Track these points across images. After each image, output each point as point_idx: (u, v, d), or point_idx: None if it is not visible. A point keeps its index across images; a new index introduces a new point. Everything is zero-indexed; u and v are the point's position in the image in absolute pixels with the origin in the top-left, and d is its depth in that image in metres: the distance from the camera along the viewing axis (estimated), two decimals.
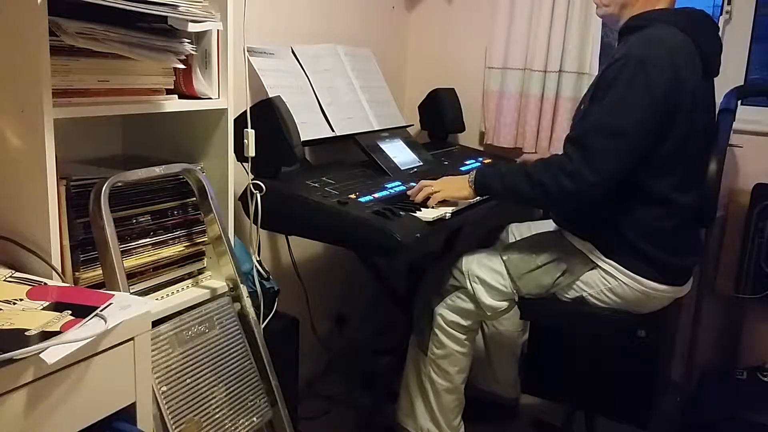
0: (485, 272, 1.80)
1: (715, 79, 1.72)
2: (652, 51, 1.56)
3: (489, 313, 1.81)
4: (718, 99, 2.02)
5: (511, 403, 2.25)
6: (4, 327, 0.88)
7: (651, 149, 1.56)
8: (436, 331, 1.84)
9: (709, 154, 1.74)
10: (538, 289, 1.76)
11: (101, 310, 0.96)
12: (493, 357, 2.19)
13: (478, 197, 1.77)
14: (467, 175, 1.76)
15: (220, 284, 1.48)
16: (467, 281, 1.80)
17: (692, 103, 1.59)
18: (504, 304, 1.80)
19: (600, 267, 1.69)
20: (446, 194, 1.75)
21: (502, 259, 1.80)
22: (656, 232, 1.64)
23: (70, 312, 0.94)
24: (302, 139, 1.71)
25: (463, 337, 1.84)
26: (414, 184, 1.91)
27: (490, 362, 2.19)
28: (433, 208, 1.74)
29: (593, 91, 1.66)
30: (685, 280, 1.74)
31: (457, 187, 1.76)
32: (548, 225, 1.91)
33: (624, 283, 1.67)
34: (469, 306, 1.81)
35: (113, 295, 1.03)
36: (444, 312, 1.83)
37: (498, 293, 1.78)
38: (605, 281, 1.69)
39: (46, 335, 0.86)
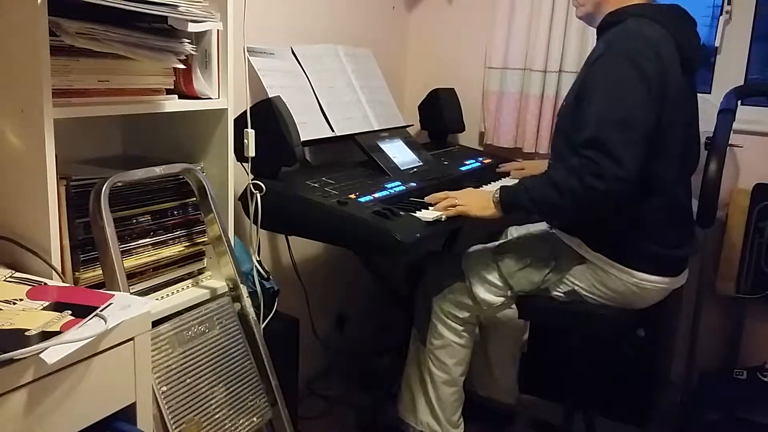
0: (482, 268, 1.82)
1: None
2: (634, 43, 1.58)
3: (485, 308, 1.83)
4: (718, 99, 2.03)
5: (508, 409, 2.24)
6: (4, 327, 0.88)
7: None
8: (434, 321, 1.87)
9: (694, 150, 1.75)
10: (529, 285, 1.78)
11: (101, 310, 0.96)
12: (492, 359, 2.19)
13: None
14: (491, 192, 1.71)
15: (220, 284, 1.48)
16: (464, 275, 1.83)
17: (676, 96, 1.60)
18: (499, 300, 1.82)
19: (588, 261, 1.70)
20: (469, 211, 1.70)
21: (495, 258, 1.82)
22: (645, 223, 1.65)
23: (70, 312, 0.94)
24: (302, 139, 1.71)
25: (461, 328, 1.86)
26: (414, 184, 1.92)
27: (489, 365, 2.19)
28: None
29: (579, 89, 1.66)
30: (678, 271, 1.74)
31: (482, 206, 1.70)
32: (545, 226, 1.91)
33: (613, 275, 1.67)
34: (466, 299, 1.83)
35: (113, 295, 1.03)
36: (442, 303, 1.86)
37: (494, 288, 1.81)
38: (596, 275, 1.70)
39: (46, 335, 0.86)
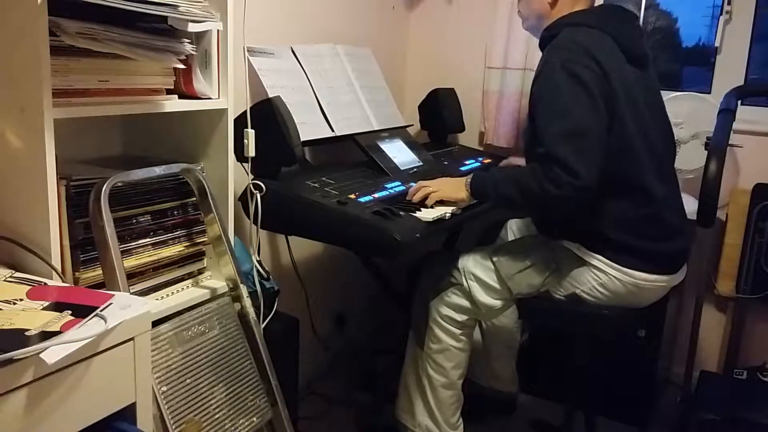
0: (481, 270, 1.81)
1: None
2: (566, 52, 1.61)
3: (484, 311, 1.82)
4: (718, 99, 2.03)
5: (509, 397, 2.26)
6: (4, 327, 0.88)
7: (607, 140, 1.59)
8: (432, 325, 1.86)
9: (664, 141, 1.75)
10: (529, 288, 1.77)
11: (101, 310, 0.96)
12: (491, 351, 2.20)
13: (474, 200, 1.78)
14: (464, 177, 1.77)
15: (220, 284, 1.48)
16: (463, 278, 1.82)
17: (625, 92, 1.61)
18: (499, 303, 1.81)
19: (589, 263, 1.70)
20: (443, 195, 1.77)
21: (492, 259, 1.81)
22: (632, 221, 1.66)
23: (70, 312, 0.94)
24: (302, 139, 1.72)
25: (459, 332, 1.85)
26: (414, 184, 1.92)
27: (488, 357, 2.20)
28: (431, 208, 1.74)
29: (528, 110, 1.70)
30: (674, 267, 1.74)
31: (455, 188, 1.77)
32: None
33: (614, 277, 1.67)
34: (465, 303, 1.82)
35: (113, 295, 1.03)
36: (440, 307, 1.85)
37: (493, 291, 1.80)
38: (596, 277, 1.69)
39: (46, 335, 0.86)
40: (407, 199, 1.79)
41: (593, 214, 1.66)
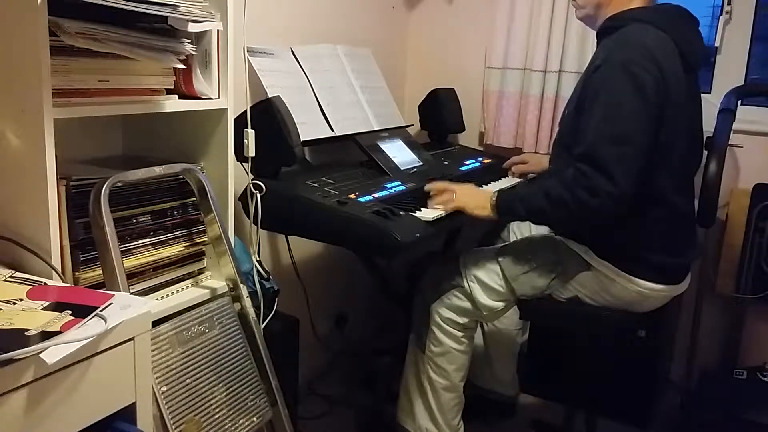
0: (482, 272, 1.80)
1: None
2: (631, 52, 1.55)
3: (485, 313, 1.81)
4: (718, 99, 2.03)
5: (509, 401, 2.25)
6: (4, 327, 0.88)
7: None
8: (434, 328, 1.85)
9: (697, 152, 1.74)
10: (533, 290, 1.76)
11: (101, 310, 0.96)
12: (492, 355, 2.20)
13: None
14: (490, 193, 1.73)
15: (220, 284, 1.48)
16: (465, 280, 1.81)
17: (677, 101, 1.58)
18: (500, 305, 1.80)
19: (595, 268, 1.68)
20: (467, 209, 1.72)
21: (497, 260, 1.80)
22: (650, 234, 1.64)
23: (70, 312, 0.94)
24: (302, 139, 1.72)
25: (460, 334, 1.84)
26: (414, 184, 1.91)
27: (489, 360, 2.20)
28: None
29: (578, 101, 1.65)
30: (681, 278, 1.73)
31: (479, 205, 1.71)
32: (549, 230, 1.90)
33: (618, 283, 1.66)
34: (466, 305, 1.81)
35: (113, 295, 1.03)
36: (441, 310, 1.83)
37: (495, 293, 1.79)
38: (600, 282, 1.68)
39: (46, 335, 0.86)
40: (425, 189, 1.78)
41: (612, 223, 1.62)
